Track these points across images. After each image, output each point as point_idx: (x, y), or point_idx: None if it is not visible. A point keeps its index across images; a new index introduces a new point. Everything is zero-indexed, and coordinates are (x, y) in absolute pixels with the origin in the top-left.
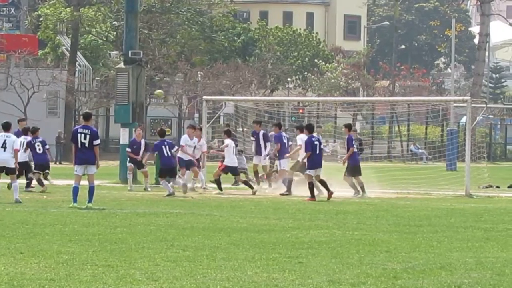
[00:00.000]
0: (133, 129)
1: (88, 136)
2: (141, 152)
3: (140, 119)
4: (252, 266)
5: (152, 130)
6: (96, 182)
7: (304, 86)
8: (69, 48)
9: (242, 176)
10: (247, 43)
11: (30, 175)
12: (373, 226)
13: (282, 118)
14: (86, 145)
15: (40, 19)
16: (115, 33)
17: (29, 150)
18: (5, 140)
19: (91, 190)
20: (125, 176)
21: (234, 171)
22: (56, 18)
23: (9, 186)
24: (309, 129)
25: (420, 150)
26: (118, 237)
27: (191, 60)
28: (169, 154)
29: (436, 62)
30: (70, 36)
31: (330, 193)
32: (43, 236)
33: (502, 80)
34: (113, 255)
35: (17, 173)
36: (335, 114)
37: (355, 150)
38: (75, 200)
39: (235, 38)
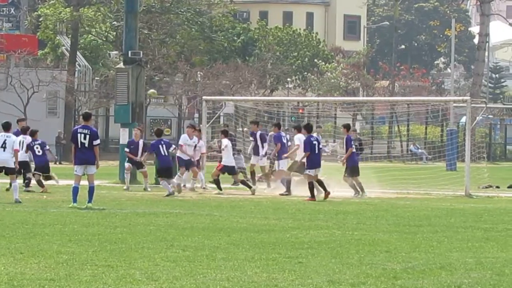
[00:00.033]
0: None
1: (88, 136)
2: (139, 152)
3: (140, 119)
4: (252, 266)
5: (152, 130)
6: (96, 182)
7: (304, 86)
8: (68, 48)
9: (240, 176)
10: (247, 43)
11: (29, 175)
12: (373, 226)
13: (282, 118)
14: (86, 145)
15: (40, 19)
16: (114, 33)
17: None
18: (5, 140)
19: (91, 190)
20: (124, 176)
21: (231, 170)
22: (56, 18)
23: (7, 189)
24: (308, 129)
25: (420, 150)
26: (118, 237)
27: (191, 60)
28: (166, 153)
29: (435, 62)
30: (70, 36)
31: (327, 193)
32: (43, 236)
33: (502, 80)
34: (113, 255)
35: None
36: (335, 114)
37: (354, 150)
38: (75, 200)
39: (235, 38)
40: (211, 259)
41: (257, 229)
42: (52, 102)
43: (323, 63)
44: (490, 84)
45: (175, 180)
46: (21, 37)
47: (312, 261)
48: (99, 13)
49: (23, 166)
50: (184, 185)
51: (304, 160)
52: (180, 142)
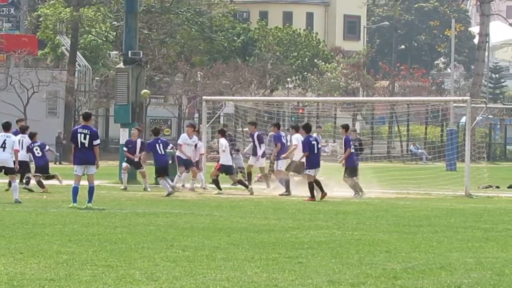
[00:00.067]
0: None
1: (88, 136)
2: (137, 151)
3: (140, 119)
4: (252, 266)
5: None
6: (95, 182)
7: (303, 86)
8: (68, 48)
9: (239, 176)
10: (247, 43)
11: (29, 175)
12: (372, 226)
13: (282, 118)
14: (86, 145)
15: (40, 19)
16: (114, 33)
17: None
18: (4, 140)
19: (91, 190)
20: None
21: (228, 170)
22: (56, 18)
23: (6, 189)
24: (306, 129)
25: (419, 150)
26: (118, 237)
27: (191, 60)
28: (163, 152)
29: (435, 62)
30: (70, 36)
31: (323, 194)
32: (43, 236)
33: (502, 80)
34: (113, 255)
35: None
36: (335, 114)
37: (353, 151)
38: (74, 200)
39: (235, 38)
40: (211, 259)
41: (257, 229)
42: (52, 102)
43: (323, 63)
44: (490, 84)
45: (175, 180)
46: (21, 37)
47: (312, 261)
48: (99, 13)
49: (23, 166)
50: (184, 185)
51: (303, 160)
52: (179, 142)
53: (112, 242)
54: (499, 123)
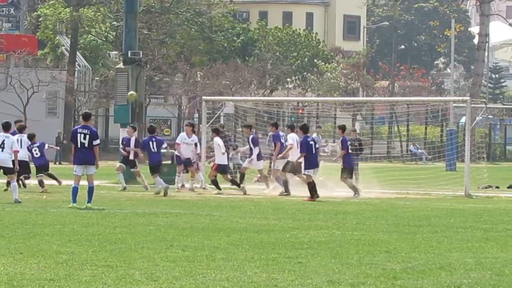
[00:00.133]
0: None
1: (87, 136)
2: (131, 151)
3: (140, 119)
4: (252, 266)
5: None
6: (95, 182)
7: (303, 86)
8: (68, 48)
9: (237, 176)
10: (247, 43)
11: (22, 177)
12: (372, 226)
13: (282, 118)
14: (86, 145)
15: (40, 19)
16: (114, 33)
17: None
18: (3, 140)
19: (91, 190)
20: (122, 177)
21: (224, 169)
22: (56, 18)
23: (5, 189)
24: (304, 129)
25: (419, 150)
26: (118, 237)
27: (191, 60)
28: (156, 150)
29: (435, 62)
30: (70, 36)
31: (316, 196)
32: (43, 236)
33: (502, 80)
34: (113, 255)
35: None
36: (335, 114)
37: (350, 151)
38: (74, 200)
39: (235, 38)
40: (210, 259)
41: (257, 229)
42: (52, 102)
43: (323, 63)
44: (490, 84)
45: (175, 180)
46: (20, 37)
47: (311, 261)
48: (99, 13)
49: (23, 166)
50: (183, 185)
51: (301, 160)
52: (177, 141)
53: (112, 242)
54: (499, 123)
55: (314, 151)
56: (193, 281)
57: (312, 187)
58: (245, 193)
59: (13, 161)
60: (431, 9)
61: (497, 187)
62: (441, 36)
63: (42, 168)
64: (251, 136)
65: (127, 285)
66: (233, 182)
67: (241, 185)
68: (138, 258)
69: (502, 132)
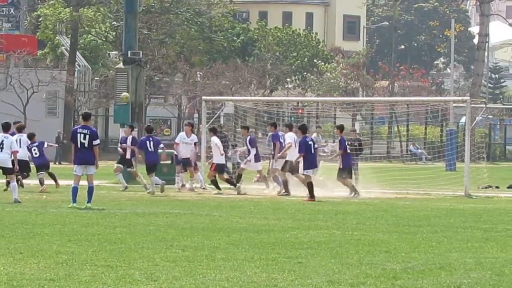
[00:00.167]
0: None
1: (87, 136)
2: (128, 149)
3: (140, 119)
4: (252, 266)
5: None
6: (95, 182)
7: (303, 86)
8: (68, 48)
9: (236, 174)
10: (247, 43)
11: (19, 177)
12: (372, 226)
13: (282, 118)
14: (86, 145)
15: (40, 19)
16: (114, 33)
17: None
18: (2, 141)
19: (90, 190)
20: (122, 177)
21: (221, 168)
22: (56, 18)
23: (5, 189)
24: (303, 129)
25: (419, 150)
26: (118, 237)
27: (191, 60)
28: (153, 149)
29: (435, 62)
30: (70, 36)
31: (307, 198)
32: (43, 236)
33: (502, 80)
34: (113, 255)
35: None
36: (335, 114)
37: (348, 151)
38: (74, 200)
39: (235, 38)
40: (210, 259)
41: (257, 229)
42: (52, 102)
43: (323, 63)
44: (489, 84)
45: (176, 180)
46: (20, 37)
47: (311, 261)
48: (99, 13)
49: (23, 165)
50: (184, 185)
51: (299, 160)
52: (176, 140)
53: (112, 242)
54: (498, 123)
55: (313, 151)
56: (193, 281)
57: (311, 187)
58: (239, 193)
59: (12, 162)
60: (431, 9)
61: (497, 187)
62: (441, 36)
63: (43, 167)
64: (248, 137)
65: (127, 285)
66: (228, 181)
67: (237, 185)
68: (138, 258)
69: (502, 132)
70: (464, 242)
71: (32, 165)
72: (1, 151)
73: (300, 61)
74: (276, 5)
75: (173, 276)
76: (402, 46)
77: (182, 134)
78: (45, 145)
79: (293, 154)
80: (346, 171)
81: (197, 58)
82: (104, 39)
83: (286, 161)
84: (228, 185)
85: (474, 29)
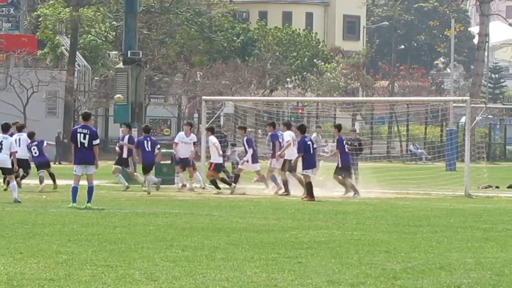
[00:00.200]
0: (132, 129)
1: (87, 136)
2: (124, 146)
3: (140, 119)
4: (251, 266)
5: (152, 130)
6: (95, 182)
7: (303, 86)
8: (68, 48)
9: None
10: (246, 43)
11: (18, 176)
12: (372, 226)
13: (282, 118)
14: (86, 145)
15: (39, 19)
16: (114, 33)
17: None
18: (1, 141)
19: (90, 190)
20: (122, 177)
21: (219, 168)
22: (55, 18)
23: (5, 189)
24: (302, 130)
25: (419, 150)
26: (117, 237)
27: (190, 60)
28: (150, 149)
29: (435, 62)
30: (69, 36)
31: (307, 197)
32: (43, 236)
33: (502, 80)
34: (112, 255)
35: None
36: (335, 114)
37: (347, 151)
38: (74, 200)
39: (234, 38)
40: (210, 259)
41: (257, 229)
42: (52, 102)
43: (323, 63)
44: (489, 84)
45: (175, 180)
46: (20, 37)
47: (311, 261)
48: (99, 13)
49: (24, 164)
50: (184, 185)
51: (298, 159)
52: (175, 140)
53: (112, 242)
54: (498, 123)
55: (311, 151)
56: (193, 281)
57: (310, 187)
58: (232, 193)
59: (12, 162)
60: (431, 9)
61: (497, 187)
62: (441, 36)
63: (43, 165)
64: (245, 138)
65: (126, 285)
66: (223, 180)
67: (233, 185)
68: (138, 258)
69: (502, 132)
70: (464, 242)
71: (32, 165)
72: (1, 151)
73: (300, 61)
74: (276, 5)
75: (173, 276)
76: (402, 46)
77: (181, 133)
78: (45, 144)
79: (291, 153)
80: (345, 170)
81: (197, 58)
82: (104, 39)
83: (285, 160)
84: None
85: (474, 29)
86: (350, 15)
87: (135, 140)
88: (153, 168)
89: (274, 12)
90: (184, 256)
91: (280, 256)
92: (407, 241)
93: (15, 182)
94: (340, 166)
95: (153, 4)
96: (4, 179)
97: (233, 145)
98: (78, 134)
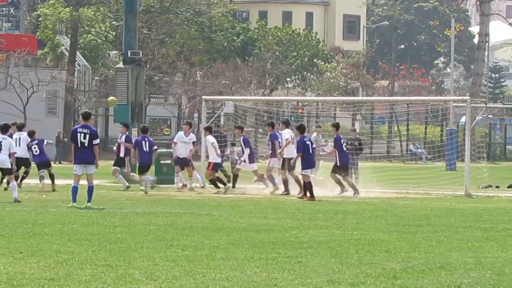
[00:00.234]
0: (132, 129)
1: (87, 136)
2: (121, 146)
3: (140, 118)
4: (252, 266)
5: (152, 130)
6: (95, 182)
7: (303, 86)
8: (68, 48)
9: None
10: (246, 43)
11: (19, 175)
12: (372, 226)
13: (282, 117)
14: (86, 144)
15: (40, 19)
16: (114, 33)
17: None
18: (1, 142)
19: (90, 189)
20: (122, 177)
21: (217, 167)
22: (55, 18)
23: (5, 188)
24: (301, 129)
25: (419, 150)
26: (118, 237)
27: (190, 60)
28: (148, 150)
29: (435, 62)
30: (70, 36)
31: (304, 196)
32: (43, 236)
33: (502, 80)
34: (113, 255)
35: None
36: (335, 114)
37: (345, 150)
38: (74, 200)
39: (234, 38)
40: (210, 258)
41: (257, 228)
42: (52, 101)
43: (323, 63)
44: (490, 84)
45: (175, 180)
46: (20, 37)
47: (311, 261)
48: (99, 13)
49: (25, 163)
50: (185, 184)
51: (297, 160)
52: (175, 140)
53: (112, 241)
54: (499, 122)
55: (310, 151)
56: (193, 280)
57: (310, 186)
58: (225, 192)
59: (11, 163)
60: (431, 8)
61: (497, 187)
62: (441, 35)
63: (44, 165)
64: (242, 137)
65: (126, 284)
66: (218, 180)
67: (228, 185)
68: (138, 257)
69: (502, 132)
70: (464, 241)
71: (33, 164)
72: (0, 152)
73: (300, 60)
74: (276, 5)
75: (173, 276)
76: (402, 46)
77: (181, 133)
78: (45, 143)
79: (290, 151)
80: (343, 168)
81: (197, 57)
82: (104, 39)
83: (284, 159)
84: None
85: (474, 29)
86: (350, 14)
87: (132, 139)
88: (149, 169)
89: (274, 12)
90: (184, 256)
91: (280, 256)
92: (407, 240)
93: (15, 182)
94: (338, 164)
95: (153, 4)
96: (1, 179)
97: (233, 144)
98: (78, 134)
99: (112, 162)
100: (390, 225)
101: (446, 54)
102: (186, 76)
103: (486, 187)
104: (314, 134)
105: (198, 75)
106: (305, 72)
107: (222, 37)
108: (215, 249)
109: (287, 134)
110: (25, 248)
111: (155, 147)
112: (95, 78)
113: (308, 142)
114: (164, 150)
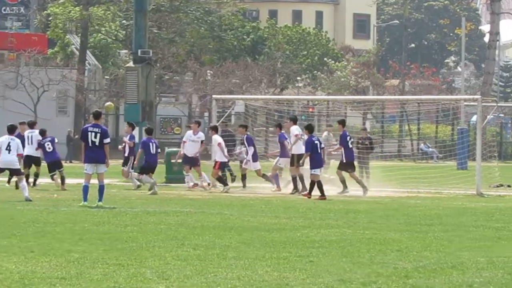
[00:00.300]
0: (142, 128)
1: (98, 135)
2: (126, 145)
3: (150, 117)
4: (263, 265)
5: (162, 129)
6: (106, 181)
7: (313, 84)
8: (78, 47)
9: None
10: (257, 42)
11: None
12: (383, 225)
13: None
14: (96, 143)
15: (50, 18)
16: (124, 32)
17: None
18: (9, 143)
19: (101, 188)
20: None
21: (224, 166)
22: (66, 17)
23: (16, 187)
24: (309, 129)
25: (430, 149)
26: (129, 236)
27: (201, 59)
28: (154, 152)
29: (446, 60)
30: (80, 35)
31: (305, 193)
32: (54, 235)
33: None
34: (124, 254)
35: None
36: (345, 113)
37: (350, 146)
38: (85, 199)
39: (245, 37)
40: (221, 258)
41: (268, 228)
42: (62, 101)
43: (333, 61)
44: (500, 83)
45: (185, 180)
46: (31, 36)
47: (323, 260)
48: (109, 12)
49: (36, 162)
50: (196, 184)
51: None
52: (184, 139)
53: (123, 240)
54: (510, 121)
55: (319, 151)
56: (204, 279)
57: (320, 185)
58: (226, 192)
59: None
60: (441, 7)
61: (509, 186)
62: (451, 34)
63: (54, 165)
64: (245, 136)
65: (138, 283)
66: (219, 179)
67: (227, 186)
68: (149, 256)
69: None
70: (476, 241)
71: (43, 163)
72: (9, 152)
73: (310, 59)
74: (286, 4)
75: (185, 275)
76: (413, 45)
77: (189, 132)
78: (56, 141)
79: (298, 148)
80: (349, 165)
81: (207, 56)
82: (114, 38)
83: (293, 155)
84: (236, 184)
85: (485, 28)
86: (360, 13)
87: (135, 138)
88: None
89: (284, 11)
90: (195, 255)
91: (292, 255)
92: (418, 240)
93: (25, 182)
94: (344, 161)
95: (163, 3)
96: (9, 179)
97: (242, 143)
98: (89, 133)
99: (122, 161)
100: (401, 224)
101: (456, 53)
102: (196, 75)
103: (497, 186)
104: (325, 133)
105: (208, 74)
106: (315, 71)
107: (232, 36)
108: (227, 248)
109: (295, 130)
110: (37, 247)
111: (159, 149)
112: (105, 77)
113: (317, 142)
114: (175, 149)
